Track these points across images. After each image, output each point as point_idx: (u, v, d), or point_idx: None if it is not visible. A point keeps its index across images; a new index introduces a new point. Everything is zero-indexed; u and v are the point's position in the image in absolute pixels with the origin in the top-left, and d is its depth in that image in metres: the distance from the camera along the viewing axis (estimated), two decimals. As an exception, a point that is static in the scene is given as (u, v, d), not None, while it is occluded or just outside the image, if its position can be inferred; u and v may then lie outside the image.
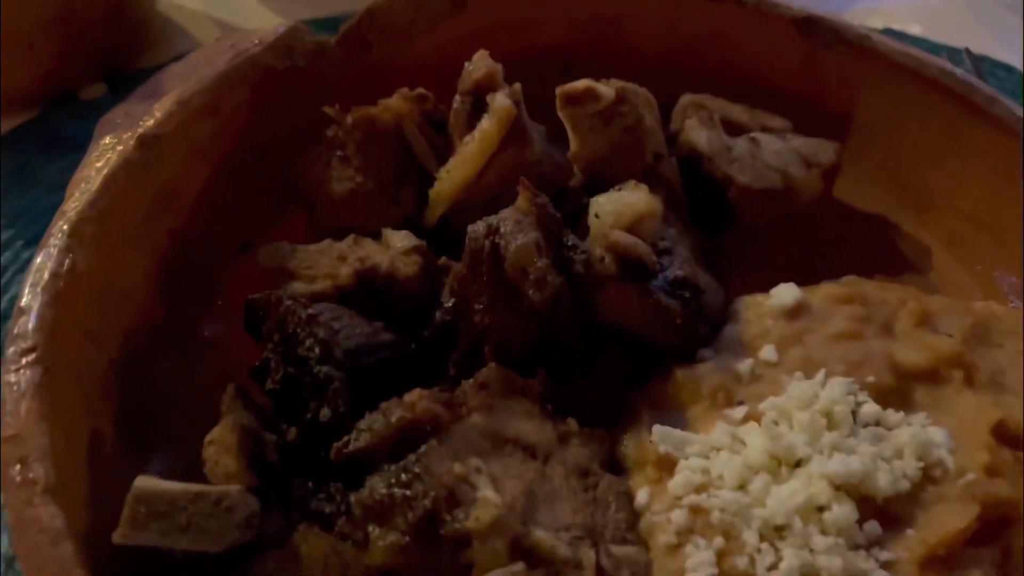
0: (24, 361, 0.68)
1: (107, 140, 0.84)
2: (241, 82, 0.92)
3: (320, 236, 0.91)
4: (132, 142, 0.84)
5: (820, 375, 0.79)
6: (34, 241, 1.05)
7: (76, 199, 0.79)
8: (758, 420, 0.76)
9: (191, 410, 0.84)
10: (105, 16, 1.23)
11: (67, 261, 0.75)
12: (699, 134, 0.96)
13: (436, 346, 0.84)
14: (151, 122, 0.85)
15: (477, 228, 0.81)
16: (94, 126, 1.10)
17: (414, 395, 0.72)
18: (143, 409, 0.83)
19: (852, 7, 1.44)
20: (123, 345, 0.82)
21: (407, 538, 0.67)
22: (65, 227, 0.77)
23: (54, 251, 0.75)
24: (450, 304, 0.84)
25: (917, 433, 0.75)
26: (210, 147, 0.91)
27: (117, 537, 0.63)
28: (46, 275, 0.74)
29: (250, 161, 0.94)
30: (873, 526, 0.70)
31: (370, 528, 0.68)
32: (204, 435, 0.78)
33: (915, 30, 1.36)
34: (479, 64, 0.93)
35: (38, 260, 0.75)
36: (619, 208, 0.85)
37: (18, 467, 0.63)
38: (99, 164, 0.82)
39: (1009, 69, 1.30)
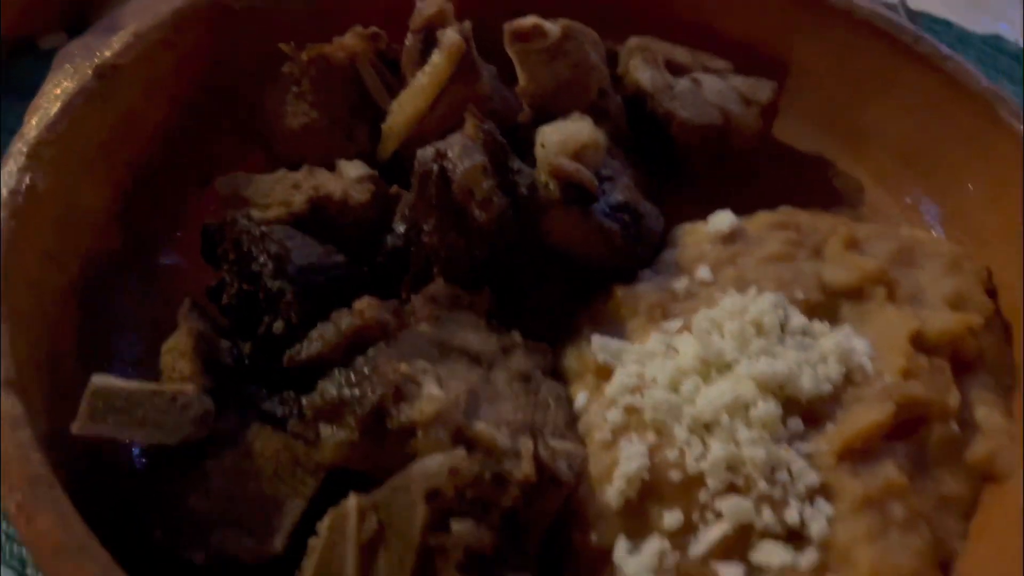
0: (-16, 269, 0.71)
1: (65, 69, 0.86)
2: (198, 19, 0.94)
3: (276, 169, 0.94)
4: (89, 72, 0.86)
5: (752, 291, 0.84)
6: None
7: (34, 124, 0.81)
8: (692, 331, 0.80)
9: (149, 332, 0.87)
10: (65, -33, 1.24)
11: (26, 180, 0.77)
12: (643, 73, 1.00)
13: (387, 271, 0.88)
14: (108, 53, 0.88)
15: (426, 152, 0.84)
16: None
17: (363, 303, 0.76)
18: (102, 329, 0.85)
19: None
20: (82, 268, 0.84)
21: (356, 434, 0.70)
22: (24, 148, 0.79)
23: (13, 170, 0.77)
24: (401, 230, 0.87)
25: (840, 341, 0.79)
26: (168, 82, 0.93)
27: (75, 428, 0.66)
28: (5, 192, 0.76)
29: (209, 97, 0.97)
30: (796, 423, 0.75)
31: (321, 427, 0.72)
32: (157, 348, 0.81)
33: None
34: (430, 2, 0.96)
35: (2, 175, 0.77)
36: (563, 137, 0.89)
37: (-23, 361, 0.65)
38: (57, 92, 0.84)
39: (948, 24, 1.36)
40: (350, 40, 0.98)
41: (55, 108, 0.82)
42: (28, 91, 1.20)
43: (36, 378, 0.71)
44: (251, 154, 0.99)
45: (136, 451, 0.76)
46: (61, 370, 0.77)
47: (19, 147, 0.79)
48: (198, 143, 0.97)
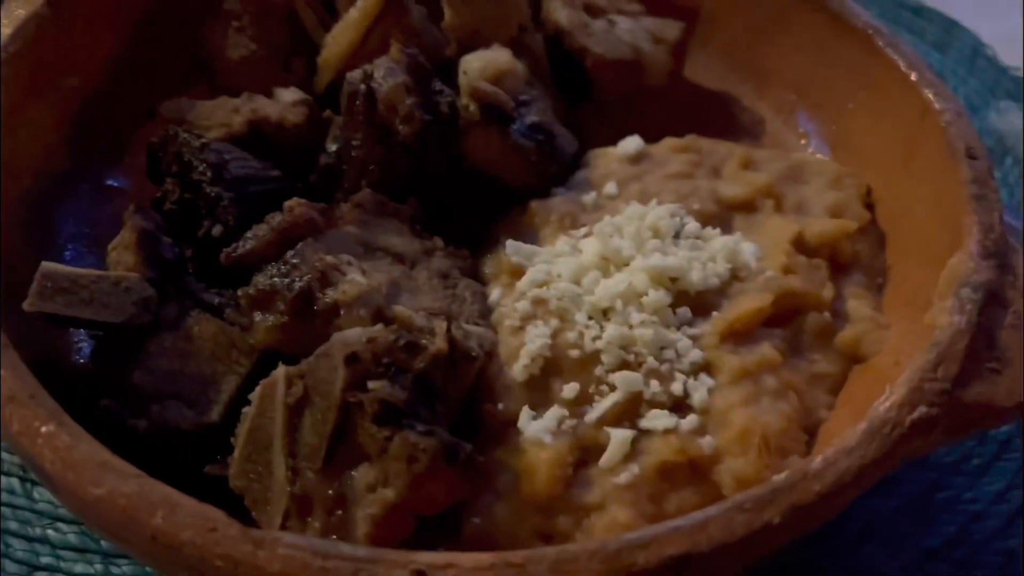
0: (-59, 170, 0.77)
1: (17, -2, 0.92)
2: (144, -46, 1.00)
3: (218, 96, 1.01)
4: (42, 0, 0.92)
5: (652, 203, 0.92)
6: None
7: (-13, 45, 0.87)
8: (595, 235, 0.89)
9: (96, 248, 0.93)
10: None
11: (-23, 95, 0.84)
12: (561, 12, 1.08)
13: (321, 187, 0.95)
14: (59, -17, 0.94)
15: (354, 75, 0.92)
16: None
17: (293, 201, 0.83)
18: (52, 243, 0.92)
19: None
20: (33, 181, 0.90)
21: (286, 317, 0.77)
22: (-20, 64, 0.85)
23: (-34, 86, 0.83)
24: (333, 149, 0.95)
25: (728, 243, 0.88)
26: (116, 13, 1.00)
27: (26, 305, 0.73)
28: (-39, 103, 0.82)
29: (156, 30, 1.03)
30: (685, 311, 0.83)
31: (255, 314, 0.79)
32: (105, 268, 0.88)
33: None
34: (361, -58, 1.03)
35: (-45, 90, 0.83)
36: (483, 64, 0.97)
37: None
38: (8, 16, 0.90)
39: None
40: (288, -22, 1.05)
41: (8, 31, 0.89)
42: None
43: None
44: (194, 86, 1.06)
45: (88, 344, 0.83)
46: (13, 274, 0.83)
47: (-29, 65, 0.85)
48: (143, 73, 1.03)
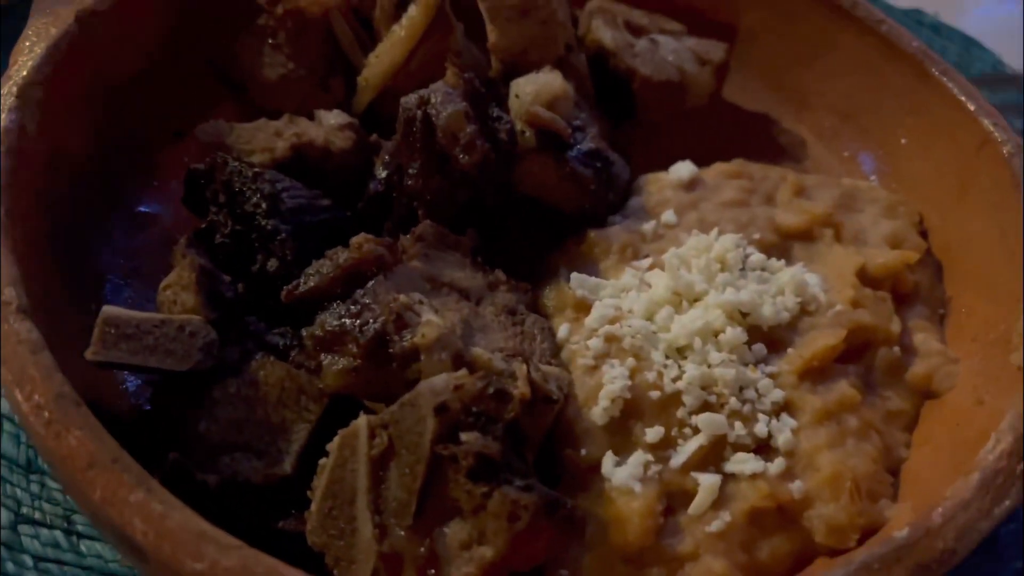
0: (-14, 202, 0.72)
1: (47, 14, 0.87)
2: (174, -31, 0.95)
3: (255, 117, 0.96)
4: (71, 17, 0.86)
5: (714, 232, 0.90)
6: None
7: (21, 65, 0.82)
8: (662, 267, 0.87)
9: (131, 278, 0.89)
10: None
11: (14, 119, 0.78)
12: (605, 33, 1.06)
13: (370, 215, 0.91)
14: (88, 0, 0.88)
15: (410, 99, 0.88)
16: (8, 29, 1.11)
17: (360, 238, 0.79)
18: (89, 274, 0.86)
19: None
20: (69, 211, 0.85)
21: (358, 360, 0.74)
22: (14, 90, 0.79)
23: (4, 111, 0.78)
24: (383, 175, 0.91)
25: (795, 275, 0.87)
26: (144, 31, 0.94)
27: (89, 354, 0.68)
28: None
29: (183, 48, 0.98)
30: (760, 347, 0.82)
31: (323, 356, 0.75)
32: (147, 301, 0.83)
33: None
34: (404, -42, 0.99)
35: (-12, 117, 0.77)
36: (537, 88, 0.94)
37: (-8, 291, 0.66)
38: (40, 36, 0.84)
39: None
40: (325, -7, 1.00)
41: (40, 50, 0.83)
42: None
43: (42, 314, 0.72)
44: (225, 103, 1.01)
45: (135, 383, 0.78)
46: (55, 311, 0.78)
47: (9, 88, 0.80)
48: (171, 92, 0.98)
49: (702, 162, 1.02)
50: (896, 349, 0.85)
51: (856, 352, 0.84)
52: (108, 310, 0.69)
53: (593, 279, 0.87)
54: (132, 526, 0.57)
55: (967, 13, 1.45)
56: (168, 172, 0.96)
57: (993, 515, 0.63)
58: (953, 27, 1.39)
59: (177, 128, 0.99)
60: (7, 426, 0.85)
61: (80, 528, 0.80)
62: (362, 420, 0.69)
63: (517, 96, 0.93)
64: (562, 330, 0.84)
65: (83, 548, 0.78)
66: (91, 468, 0.59)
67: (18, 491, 0.81)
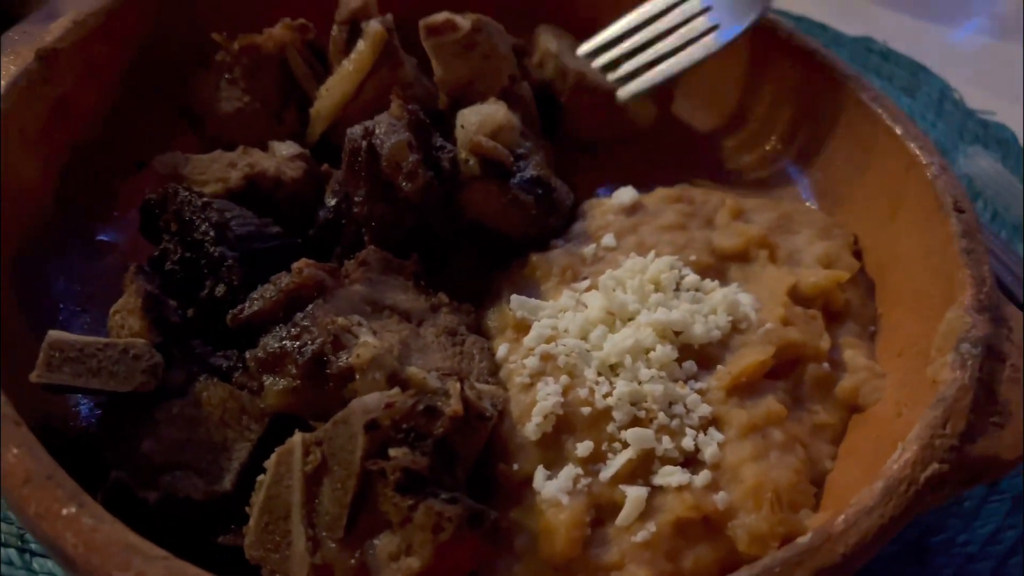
0: (-62, 234, 0.75)
1: (7, 53, 0.91)
2: (133, 8, 0.99)
3: (210, 151, 1.00)
4: (31, 55, 0.90)
5: (650, 255, 0.94)
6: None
7: (-21, 101, 0.86)
8: (598, 288, 0.90)
9: (89, 305, 0.92)
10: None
11: (-27, 154, 0.82)
12: (551, 42, 1.10)
13: (320, 242, 0.95)
14: (49, 38, 0.92)
15: (355, 130, 0.92)
16: None
17: (301, 263, 0.82)
18: (45, 303, 0.90)
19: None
20: (23, 241, 0.88)
21: (298, 381, 0.77)
22: (-30, 126, 0.83)
23: (-39, 145, 0.82)
24: (332, 203, 0.95)
25: (728, 295, 0.90)
26: (105, 66, 0.98)
27: (33, 376, 0.71)
28: (-46, 165, 0.80)
29: (143, 82, 1.02)
30: (690, 364, 0.85)
31: (264, 377, 0.78)
32: (101, 326, 0.86)
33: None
34: (354, -5, 1.04)
35: (-54, 152, 0.81)
36: (481, 119, 0.97)
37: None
38: (2, 72, 0.88)
39: (824, 27, 1.50)
40: (279, 31, 1.04)
41: (1, 88, 0.87)
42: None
43: (-11, 343, 0.75)
44: (182, 136, 1.05)
45: (88, 405, 0.81)
46: (10, 335, 0.81)
47: (-35, 124, 0.83)
48: (131, 125, 1.02)
49: (649, 185, 1.05)
50: (825, 365, 0.88)
51: (786, 368, 0.87)
52: (52, 335, 0.72)
53: (533, 301, 0.90)
54: (64, 539, 0.59)
55: (917, 41, 1.49)
56: (128, 202, 0.99)
57: (896, 522, 0.66)
58: (901, 53, 1.44)
59: (137, 159, 1.03)
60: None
61: (33, 546, 0.82)
62: (297, 438, 0.72)
63: (463, 126, 0.97)
64: (501, 350, 0.87)
65: (35, 566, 0.81)
66: (27, 484, 0.62)
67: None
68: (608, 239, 0.97)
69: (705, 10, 1.07)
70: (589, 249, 0.96)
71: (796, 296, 0.92)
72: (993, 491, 0.95)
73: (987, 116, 1.34)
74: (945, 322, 0.80)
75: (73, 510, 0.60)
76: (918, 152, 0.95)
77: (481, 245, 0.97)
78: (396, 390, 0.73)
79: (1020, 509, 0.94)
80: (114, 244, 0.98)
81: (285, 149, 0.98)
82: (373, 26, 1.00)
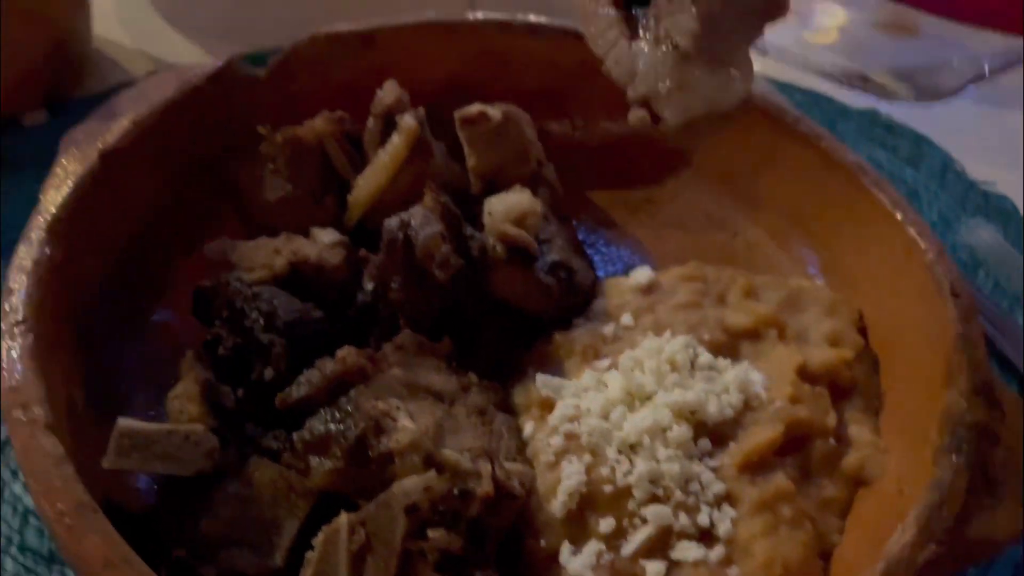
0: (18, 331, 0.83)
1: (72, 153, 0.99)
2: (186, 106, 1.08)
3: (255, 236, 1.08)
4: (95, 156, 0.99)
5: (667, 334, 1.00)
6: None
7: (50, 200, 0.94)
8: (619, 368, 0.96)
9: (145, 383, 0.99)
10: (47, 52, 1.36)
11: (46, 251, 0.90)
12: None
13: (359, 323, 1.02)
14: (110, 139, 1.00)
15: (392, 222, 0.99)
16: (37, 147, 1.25)
17: (344, 351, 0.89)
18: (106, 381, 0.97)
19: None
20: (88, 325, 0.96)
21: (342, 463, 0.83)
22: (43, 223, 0.91)
23: (35, 243, 0.90)
24: (370, 288, 1.02)
25: (740, 374, 0.96)
26: (160, 162, 1.06)
27: (105, 463, 0.78)
28: (29, 263, 0.88)
29: (193, 173, 1.10)
30: (705, 442, 0.91)
31: (311, 458, 0.85)
32: (158, 403, 0.93)
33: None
34: (389, 91, 1.12)
35: (22, 249, 0.89)
36: (507, 207, 1.05)
37: (21, 410, 0.77)
38: (67, 173, 0.96)
39: (831, 100, 1.57)
40: (319, 123, 1.13)
41: (66, 188, 0.95)
42: (14, 165, 1.32)
43: (61, 422, 0.83)
44: (229, 222, 1.13)
45: (145, 481, 0.88)
46: (75, 413, 0.88)
47: (39, 222, 0.92)
48: (183, 212, 1.10)
49: (664, 260, 1.12)
50: (831, 441, 0.94)
51: (794, 444, 0.93)
52: (122, 423, 0.79)
53: (557, 379, 0.96)
54: (139, 618, 0.66)
55: (921, 111, 1.56)
56: (180, 284, 1.07)
57: (895, 601, 0.71)
58: (905, 125, 1.50)
59: (189, 244, 1.11)
60: (32, 520, 0.95)
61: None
62: (343, 519, 0.78)
63: (490, 213, 1.04)
64: (527, 427, 0.93)
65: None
66: (106, 567, 0.68)
67: (41, 580, 0.91)
68: (626, 318, 1.03)
69: None
70: (609, 328, 1.02)
71: (804, 374, 0.98)
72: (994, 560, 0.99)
73: (988, 187, 1.40)
74: (943, 405, 0.86)
75: (148, 594, 0.67)
76: (916, 237, 1.01)
77: (508, 324, 1.04)
78: (432, 473, 0.80)
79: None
80: (169, 324, 1.06)
81: (326, 236, 1.05)
82: (407, 121, 1.08)
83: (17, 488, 0.98)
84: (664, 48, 0.71)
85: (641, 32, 0.73)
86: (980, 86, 1.63)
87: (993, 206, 1.37)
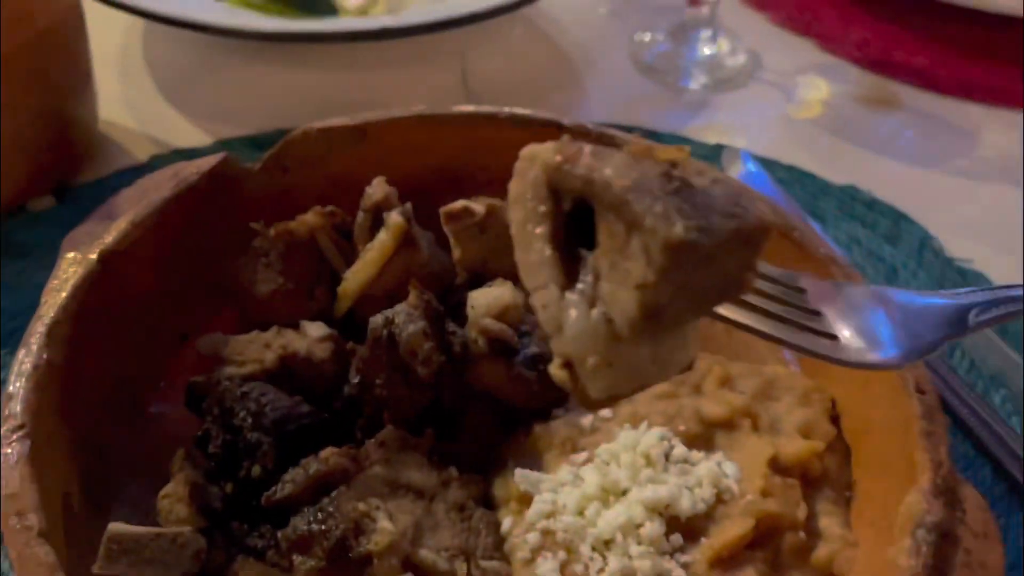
0: (15, 436, 0.87)
1: (72, 255, 1.04)
2: (183, 203, 1.13)
3: (248, 328, 1.12)
4: (94, 257, 1.03)
5: (643, 426, 1.03)
6: (-5, 336, 1.23)
7: (49, 304, 0.98)
8: (594, 462, 1.00)
9: (141, 474, 1.03)
10: (54, 140, 1.42)
11: (44, 356, 0.94)
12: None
13: (345, 415, 1.06)
14: (109, 240, 1.05)
15: (376, 320, 1.03)
16: (44, 233, 1.31)
17: (327, 452, 0.93)
18: (102, 475, 1.01)
19: (692, 123, 1.74)
20: (83, 421, 1.00)
21: (323, 562, 0.87)
22: (42, 329, 0.96)
23: (34, 348, 0.94)
24: (356, 381, 1.06)
25: (712, 467, 0.99)
26: (156, 257, 1.11)
27: (95, 569, 0.82)
28: (28, 367, 0.92)
29: (189, 267, 1.15)
30: (677, 537, 0.94)
31: (294, 557, 0.88)
32: (153, 494, 0.97)
33: (740, 143, 1.66)
34: (377, 188, 1.17)
35: (21, 354, 0.93)
36: (489, 301, 1.09)
37: (16, 517, 0.81)
38: (67, 276, 1.01)
39: (813, 176, 1.61)
40: (311, 217, 1.17)
41: (66, 291, 1.00)
42: (20, 250, 1.38)
43: (56, 526, 0.86)
44: (224, 313, 1.17)
45: None
46: (71, 511, 0.92)
47: (39, 327, 0.96)
48: (179, 305, 1.15)
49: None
50: (801, 534, 0.97)
51: (765, 537, 0.96)
52: (112, 528, 0.83)
53: (535, 474, 1.00)
54: None
55: (901, 185, 1.60)
56: (175, 374, 1.12)
57: None
58: (885, 202, 1.54)
59: (183, 333, 1.15)
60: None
61: None
62: (323, 620, 0.82)
63: (472, 307, 1.08)
64: (505, 523, 0.96)
65: None
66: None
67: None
68: (605, 410, 1.07)
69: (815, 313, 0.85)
70: (587, 420, 1.06)
71: (776, 466, 1.01)
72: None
73: (965, 264, 1.44)
74: (904, 505, 0.88)
75: None
76: (885, 331, 1.04)
77: (490, 415, 1.08)
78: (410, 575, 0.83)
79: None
80: (164, 414, 1.10)
81: (315, 331, 1.09)
82: (394, 218, 1.13)
83: (14, 579, 1.01)
84: (596, 316, 0.61)
85: (579, 284, 0.63)
86: (961, 158, 1.67)
87: (970, 285, 1.40)
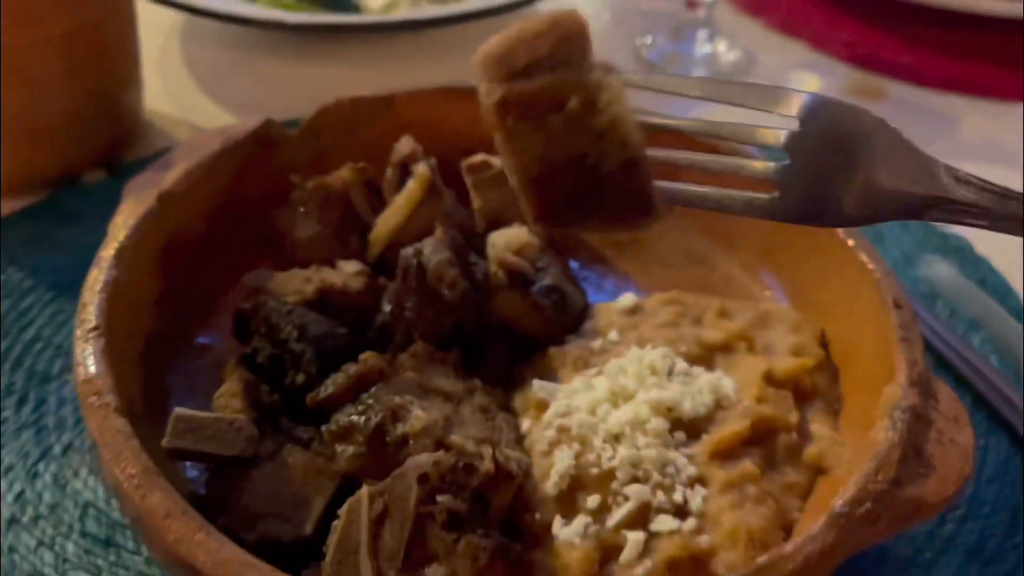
0: (91, 336, 0.98)
1: (134, 196, 1.16)
2: (230, 158, 1.25)
3: (288, 269, 1.23)
4: (154, 197, 1.16)
5: (648, 347, 1.14)
6: (55, 287, 1.35)
7: (116, 234, 1.10)
8: (604, 374, 1.10)
9: (191, 396, 1.13)
10: (106, 119, 1.55)
11: (113, 273, 1.05)
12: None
13: (377, 341, 1.16)
14: (167, 184, 1.17)
15: (407, 251, 1.15)
16: (94, 202, 1.43)
17: (366, 355, 1.04)
18: (159, 394, 1.11)
19: (691, 115, 1.86)
20: (146, 344, 1.11)
21: (364, 448, 0.97)
22: (112, 252, 1.07)
23: (104, 266, 1.06)
24: (388, 310, 1.17)
25: (712, 379, 1.10)
26: (207, 205, 1.23)
27: (165, 443, 0.92)
28: (100, 281, 1.04)
29: (235, 215, 1.27)
30: (680, 435, 1.04)
31: (336, 446, 0.98)
32: (200, 407, 1.07)
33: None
34: (404, 144, 1.29)
35: (93, 272, 1.05)
36: (507, 240, 1.21)
37: (96, 396, 0.92)
38: (131, 210, 1.13)
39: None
40: (344, 173, 1.29)
41: (131, 222, 1.11)
42: (75, 217, 1.50)
43: (126, 414, 0.97)
44: (265, 258, 1.29)
45: (194, 471, 1.02)
46: (134, 416, 1.02)
47: (108, 251, 1.08)
48: (225, 249, 1.26)
49: (649, 290, 1.27)
50: (794, 435, 1.06)
51: (760, 438, 1.05)
52: (178, 410, 0.94)
53: (552, 384, 1.10)
54: (196, 558, 0.79)
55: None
56: (220, 311, 1.23)
57: (835, 548, 0.83)
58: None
59: (230, 277, 1.26)
60: (91, 511, 1.08)
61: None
62: (364, 490, 0.91)
63: (493, 246, 1.20)
64: (525, 424, 1.07)
65: (148, 604, 1.00)
66: (167, 517, 0.82)
67: (99, 560, 1.03)
68: (613, 335, 1.17)
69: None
70: (597, 343, 1.16)
71: (770, 380, 1.11)
72: (950, 544, 1.10)
73: (943, 228, 1.55)
74: (883, 395, 0.98)
75: (203, 536, 0.80)
76: (867, 260, 1.15)
77: (508, 342, 1.18)
78: (442, 452, 0.93)
79: (975, 559, 1.09)
80: (211, 345, 1.20)
81: (350, 267, 1.21)
82: (421, 168, 1.25)
83: (78, 484, 1.11)
84: None
85: None
86: (941, 140, 1.79)
87: (950, 245, 1.51)
